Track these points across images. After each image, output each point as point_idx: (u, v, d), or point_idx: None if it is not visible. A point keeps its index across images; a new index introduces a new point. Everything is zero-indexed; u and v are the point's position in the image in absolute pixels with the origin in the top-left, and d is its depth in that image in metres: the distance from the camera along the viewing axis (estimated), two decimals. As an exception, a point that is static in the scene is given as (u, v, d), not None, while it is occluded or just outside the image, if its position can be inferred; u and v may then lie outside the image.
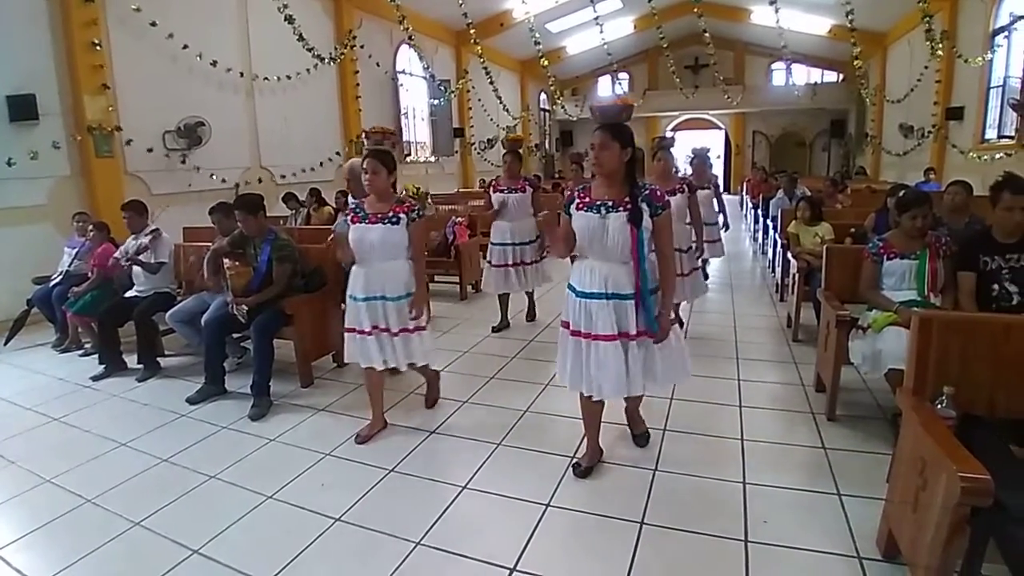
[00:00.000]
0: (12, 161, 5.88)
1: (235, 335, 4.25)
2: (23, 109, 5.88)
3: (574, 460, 2.89)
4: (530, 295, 5.51)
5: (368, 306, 3.11)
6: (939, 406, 1.96)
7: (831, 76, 20.32)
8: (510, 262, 5.05)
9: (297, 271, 4.04)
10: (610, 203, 2.46)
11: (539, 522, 2.43)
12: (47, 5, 6.20)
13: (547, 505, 2.54)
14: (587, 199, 2.53)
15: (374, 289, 3.10)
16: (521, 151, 5.80)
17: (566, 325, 2.64)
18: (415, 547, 2.29)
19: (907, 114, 13.56)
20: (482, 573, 2.14)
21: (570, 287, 2.62)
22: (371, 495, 2.68)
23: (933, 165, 11.53)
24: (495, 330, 5.26)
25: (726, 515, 2.42)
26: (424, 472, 2.86)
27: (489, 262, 5.16)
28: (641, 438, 3.06)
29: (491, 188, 5.15)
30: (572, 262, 2.69)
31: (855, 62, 12.24)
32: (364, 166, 3.09)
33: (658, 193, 2.49)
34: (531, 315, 5.57)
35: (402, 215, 3.08)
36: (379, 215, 3.08)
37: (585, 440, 2.90)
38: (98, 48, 6.51)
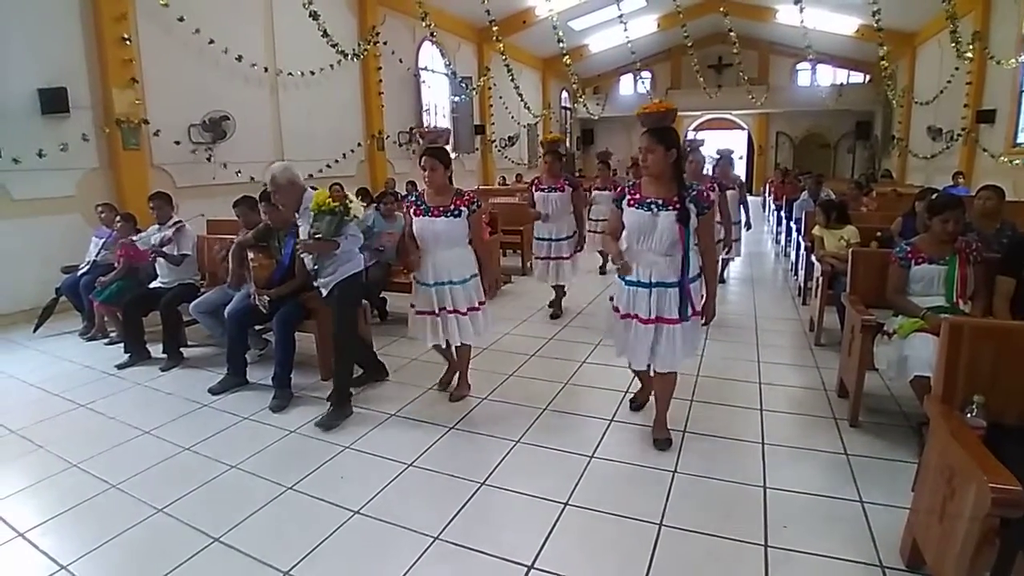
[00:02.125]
0: (43, 152, 5.99)
1: (257, 327, 4.30)
2: (55, 102, 5.99)
3: (630, 396, 3.53)
4: (559, 290, 5.58)
5: (437, 291, 3.40)
6: (969, 415, 1.92)
7: (857, 77, 19.98)
8: (550, 255, 5.35)
9: (319, 265, 4.05)
10: (660, 201, 2.68)
11: (557, 520, 2.42)
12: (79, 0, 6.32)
13: (565, 504, 2.54)
14: (638, 196, 2.75)
15: (441, 275, 3.39)
16: (563, 150, 6.11)
17: (616, 309, 2.92)
18: (433, 542, 2.30)
19: (936, 116, 13.29)
20: (500, 570, 2.14)
21: (619, 276, 2.86)
22: (390, 489, 2.69)
23: (962, 169, 11.26)
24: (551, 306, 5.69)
25: (746, 519, 2.39)
26: (443, 467, 2.87)
27: (535, 255, 5.53)
28: (662, 443, 3.00)
29: (533, 187, 5.43)
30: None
31: (882, 63, 12.02)
32: (422, 164, 3.36)
33: (703, 194, 2.72)
34: (557, 311, 5.60)
35: (463, 208, 3.35)
36: (441, 208, 3.34)
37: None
38: (128, 43, 6.61)
